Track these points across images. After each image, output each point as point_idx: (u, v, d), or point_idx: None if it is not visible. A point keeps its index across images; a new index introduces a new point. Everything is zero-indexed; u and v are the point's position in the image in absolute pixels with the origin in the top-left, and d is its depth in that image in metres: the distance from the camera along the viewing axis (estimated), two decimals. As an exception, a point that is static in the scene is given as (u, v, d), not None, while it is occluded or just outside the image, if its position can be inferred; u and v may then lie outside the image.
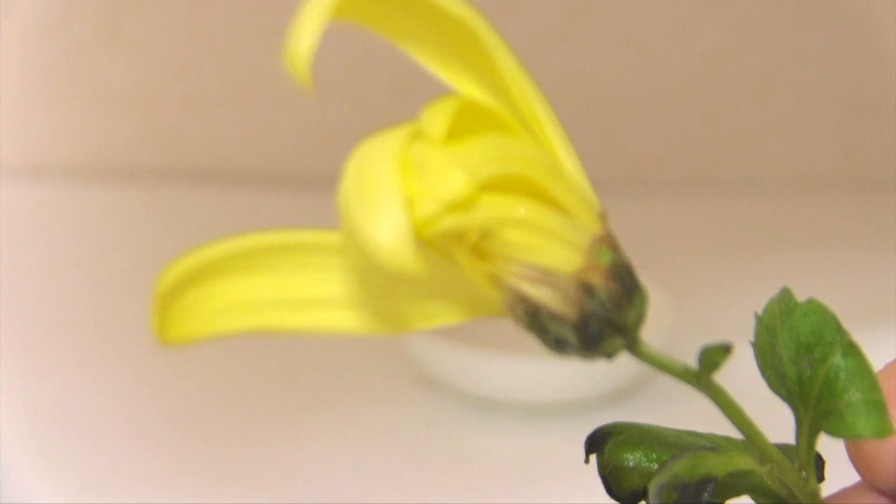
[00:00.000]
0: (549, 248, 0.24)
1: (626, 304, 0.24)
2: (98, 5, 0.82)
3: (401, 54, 0.25)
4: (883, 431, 0.25)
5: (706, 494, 0.24)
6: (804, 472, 0.26)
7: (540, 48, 0.82)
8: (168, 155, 0.85)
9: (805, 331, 0.26)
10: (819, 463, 0.27)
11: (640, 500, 0.27)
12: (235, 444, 0.59)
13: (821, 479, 0.27)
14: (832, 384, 0.26)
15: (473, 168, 0.22)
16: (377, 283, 0.24)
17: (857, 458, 0.27)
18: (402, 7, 0.23)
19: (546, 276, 0.23)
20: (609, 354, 0.24)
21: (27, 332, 0.69)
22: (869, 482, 0.27)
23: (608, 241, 0.24)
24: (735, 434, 0.26)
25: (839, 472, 0.28)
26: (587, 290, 0.24)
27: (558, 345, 0.24)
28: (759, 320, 0.27)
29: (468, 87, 0.24)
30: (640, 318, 0.24)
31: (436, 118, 0.22)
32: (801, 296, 0.27)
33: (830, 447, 0.27)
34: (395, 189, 0.21)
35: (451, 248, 0.23)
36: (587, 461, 0.28)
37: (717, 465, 0.25)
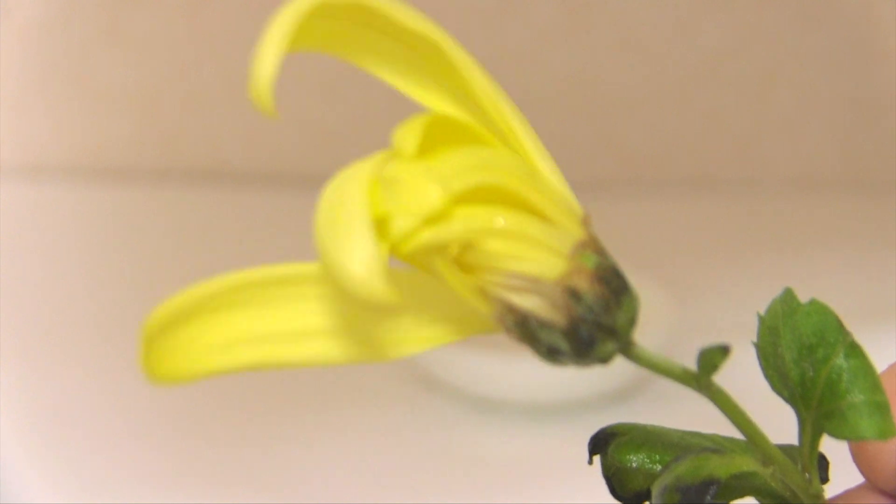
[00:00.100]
0: (532, 256, 0.24)
1: (615, 306, 0.24)
2: (98, 5, 0.82)
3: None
4: (886, 433, 0.25)
5: (709, 496, 0.25)
6: (807, 474, 0.26)
7: (540, 48, 0.82)
8: (168, 155, 0.85)
9: (807, 331, 0.26)
10: (823, 464, 0.27)
11: (644, 501, 0.27)
12: (235, 444, 0.59)
13: (825, 479, 0.27)
14: (835, 385, 0.26)
15: (448, 180, 0.22)
16: (366, 312, 0.24)
17: (861, 460, 0.27)
18: (365, 28, 0.24)
19: (531, 284, 0.24)
20: (603, 359, 0.24)
21: (27, 332, 0.69)
22: (872, 483, 0.27)
23: (592, 245, 0.24)
24: (737, 432, 0.26)
25: (844, 472, 0.28)
26: (573, 294, 0.24)
27: (552, 354, 0.24)
28: (762, 321, 0.27)
29: (439, 104, 0.25)
30: (631, 320, 0.24)
31: (407, 135, 0.23)
32: (801, 295, 0.27)
33: (835, 447, 0.27)
34: (363, 218, 0.21)
35: (434, 263, 0.23)
36: (591, 462, 0.28)
37: (719, 467, 0.25)
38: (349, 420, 0.61)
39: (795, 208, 0.82)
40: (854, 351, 0.26)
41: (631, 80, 0.83)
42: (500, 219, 0.23)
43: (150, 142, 0.85)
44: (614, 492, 0.27)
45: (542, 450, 0.60)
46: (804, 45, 0.81)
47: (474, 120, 0.25)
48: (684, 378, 0.25)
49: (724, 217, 0.81)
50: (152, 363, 0.24)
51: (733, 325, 0.48)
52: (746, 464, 0.25)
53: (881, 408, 0.25)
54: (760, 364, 0.27)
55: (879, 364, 0.27)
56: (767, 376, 0.27)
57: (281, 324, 0.24)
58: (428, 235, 0.22)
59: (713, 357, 0.24)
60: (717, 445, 0.27)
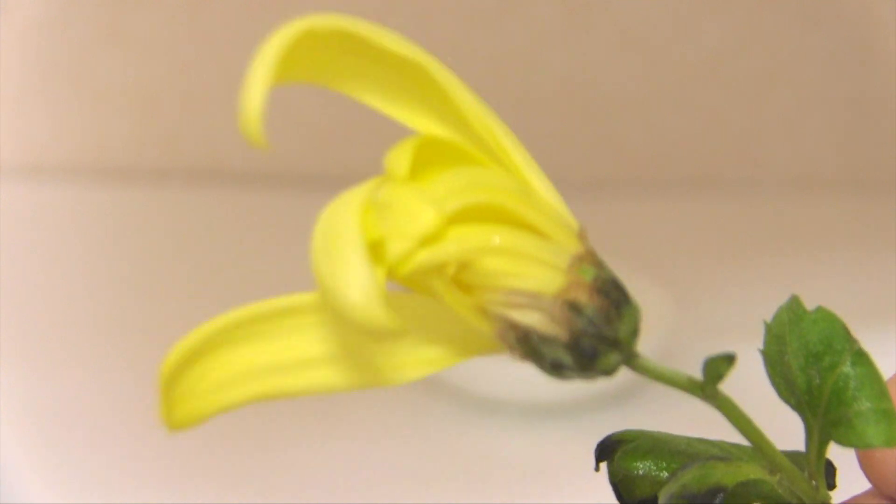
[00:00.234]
0: (530, 272, 0.24)
1: (616, 317, 0.24)
2: (98, 5, 0.81)
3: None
4: (892, 440, 0.25)
5: (716, 504, 0.25)
6: (814, 481, 0.26)
7: (540, 48, 0.82)
8: (168, 155, 0.85)
9: (814, 339, 0.26)
10: (830, 470, 0.27)
11: (651, 508, 0.27)
12: (236, 446, 0.59)
13: (832, 486, 0.27)
14: (841, 393, 0.26)
15: (441, 201, 0.22)
16: (367, 338, 0.24)
17: (868, 467, 0.27)
18: (351, 56, 0.24)
19: (531, 300, 0.24)
20: (607, 372, 0.24)
21: (27, 333, 0.69)
22: (879, 490, 0.27)
23: (589, 258, 0.24)
24: (742, 437, 0.26)
25: (852, 479, 0.28)
26: (573, 307, 0.24)
27: (556, 368, 0.24)
28: (768, 328, 0.27)
29: (429, 126, 0.25)
30: (633, 331, 0.25)
31: (398, 158, 0.23)
32: (801, 296, 0.27)
33: (842, 452, 0.27)
34: (357, 245, 0.21)
35: (433, 285, 0.23)
36: (597, 469, 0.28)
37: (726, 475, 0.25)
38: (349, 420, 0.61)
39: (795, 208, 0.82)
40: (861, 359, 0.26)
41: (631, 80, 0.83)
42: (496, 237, 0.23)
43: (150, 142, 0.85)
44: (621, 498, 0.27)
45: (543, 450, 0.60)
46: (804, 45, 0.81)
47: (465, 140, 0.25)
48: (690, 387, 0.25)
49: (724, 217, 0.81)
50: (169, 411, 0.25)
51: (733, 325, 0.48)
52: (753, 471, 0.25)
53: (888, 415, 0.25)
54: (767, 371, 0.27)
55: (879, 362, 0.27)
56: (774, 384, 0.27)
57: (283, 355, 0.24)
58: (424, 257, 0.22)
59: (718, 366, 0.24)
60: (724, 452, 0.27)
